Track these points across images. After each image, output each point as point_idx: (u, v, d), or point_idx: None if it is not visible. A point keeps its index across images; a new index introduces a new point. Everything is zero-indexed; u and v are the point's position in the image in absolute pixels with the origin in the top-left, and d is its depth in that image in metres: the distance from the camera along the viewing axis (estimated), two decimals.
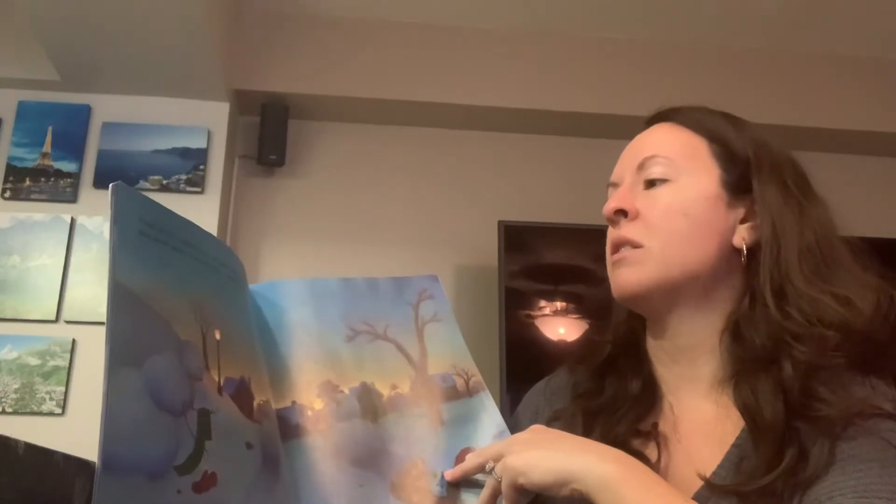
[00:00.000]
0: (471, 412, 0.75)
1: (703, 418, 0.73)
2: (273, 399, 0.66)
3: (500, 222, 2.41)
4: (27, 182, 2.37)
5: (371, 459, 0.68)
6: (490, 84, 2.62)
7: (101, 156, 2.41)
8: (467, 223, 2.58)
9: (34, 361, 2.18)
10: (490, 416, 0.75)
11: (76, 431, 2.01)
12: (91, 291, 2.26)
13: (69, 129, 2.42)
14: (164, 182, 2.40)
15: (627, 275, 0.75)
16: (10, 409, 2.14)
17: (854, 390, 0.67)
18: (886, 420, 0.65)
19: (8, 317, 2.22)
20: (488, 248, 2.41)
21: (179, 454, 0.51)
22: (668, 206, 0.74)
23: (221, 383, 0.58)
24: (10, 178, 2.37)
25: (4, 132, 2.42)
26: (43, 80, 2.39)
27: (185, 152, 2.43)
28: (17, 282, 2.25)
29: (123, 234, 0.53)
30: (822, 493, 0.61)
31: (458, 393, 0.75)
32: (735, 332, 0.73)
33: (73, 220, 2.32)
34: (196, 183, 2.41)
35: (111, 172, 2.38)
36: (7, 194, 2.35)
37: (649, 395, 0.78)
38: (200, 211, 2.35)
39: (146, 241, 0.55)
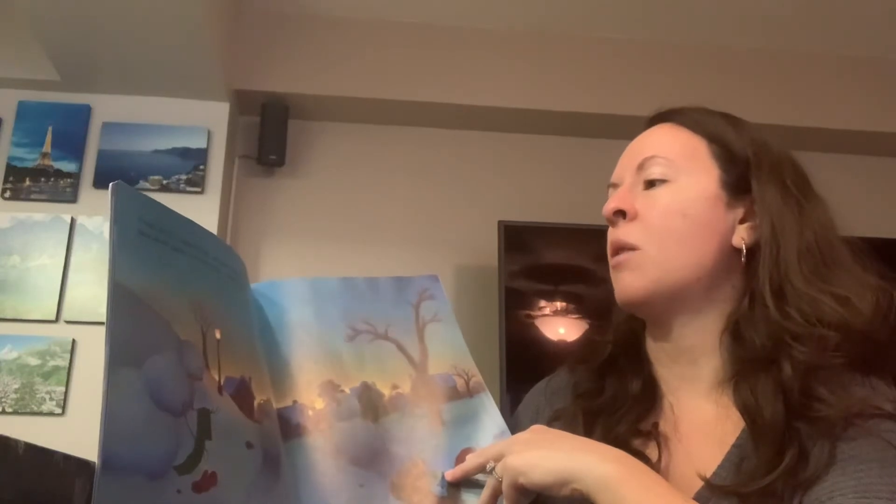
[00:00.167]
0: (471, 412, 0.75)
1: (703, 418, 0.73)
2: (274, 398, 0.66)
3: (500, 222, 2.40)
4: (27, 182, 2.37)
5: (371, 459, 0.68)
6: (490, 84, 2.62)
7: (101, 156, 2.41)
8: (467, 223, 2.57)
9: (34, 361, 2.18)
10: (490, 416, 0.75)
11: (76, 431, 2.01)
12: (91, 291, 2.26)
13: (69, 129, 2.42)
14: (164, 182, 2.40)
15: (629, 281, 0.75)
16: (10, 409, 2.14)
17: (854, 390, 0.67)
18: (886, 420, 0.65)
19: (8, 317, 2.22)
20: (488, 248, 2.41)
21: (179, 454, 0.51)
22: (667, 207, 0.74)
23: (222, 383, 0.58)
24: (10, 178, 2.36)
25: (4, 132, 2.41)
26: (43, 80, 2.39)
27: (185, 152, 2.43)
28: (17, 282, 2.25)
29: (123, 233, 0.53)
30: (822, 494, 0.61)
31: (458, 393, 0.75)
32: (735, 333, 0.73)
33: (73, 220, 2.32)
34: (196, 183, 2.40)
35: (111, 172, 2.37)
36: (7, 194, 2.35)
37: (649, 395, 0.78)
38: (200, 211, 2.34)
39: (146, 241, 0.55)
